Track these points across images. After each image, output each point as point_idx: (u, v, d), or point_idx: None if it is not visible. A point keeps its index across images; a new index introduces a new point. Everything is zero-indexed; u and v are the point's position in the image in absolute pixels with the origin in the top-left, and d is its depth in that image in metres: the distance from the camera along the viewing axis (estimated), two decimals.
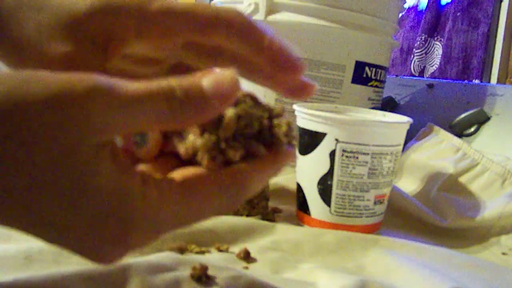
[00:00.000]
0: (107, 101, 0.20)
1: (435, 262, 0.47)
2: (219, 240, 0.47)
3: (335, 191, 0.53)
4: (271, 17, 0.69)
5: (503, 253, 0.55)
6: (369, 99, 0.75)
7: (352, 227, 0.53)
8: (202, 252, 0.45)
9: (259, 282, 0.38)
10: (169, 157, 0.27)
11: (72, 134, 0.20)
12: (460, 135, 0.78)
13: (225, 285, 0.37)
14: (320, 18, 0.69)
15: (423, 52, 1.48)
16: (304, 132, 0.54)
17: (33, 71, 0.20)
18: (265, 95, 0.71)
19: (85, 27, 0.28)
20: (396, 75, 1.09)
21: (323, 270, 0.42)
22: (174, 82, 0.22)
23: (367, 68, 0.73)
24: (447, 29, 1.41)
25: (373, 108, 0.75)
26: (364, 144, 0.51)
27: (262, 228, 0.51)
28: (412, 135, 0.75)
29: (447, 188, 0.66)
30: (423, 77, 1.45)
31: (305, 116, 0.54)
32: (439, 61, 1.43)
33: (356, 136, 0.51)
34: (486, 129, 0.78)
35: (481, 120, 0.79)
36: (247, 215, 0.55)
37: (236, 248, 0.46)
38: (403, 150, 0.71)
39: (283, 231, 0.51)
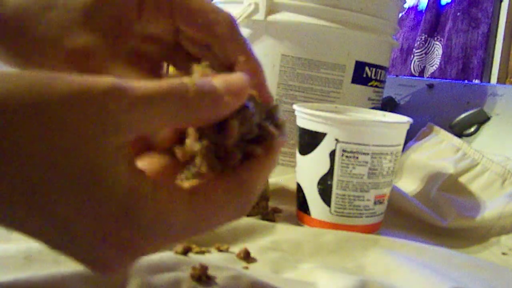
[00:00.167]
0: (125, 101, 0.20)
1: (435, 262, 0.47)
2: (219, 240, 0.47)
3: (335, 191, 0.53)
4: (271, 17, 0.69)
5: (503, 253, 0.55)
6: (369, 99, 0.75)
7: (352, 227, 0.53)
8: (202, 252, 0.45)
9: (259, 282, 0.38)
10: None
11: (93, 131, 0.20)
12: (460, 135, 0.78)
13: (225, 285, 0.37)
14: (320, 18, 0.69)
15: (423, 52, 1.48)
16: (304, 132, 0.54)
17: (55, 73, 0.20)
18: None
19: (95, 17, 0.29)
20: (396, 75, 1.09)
21: (323, 270, 0.43)
22: (187, 80, 0.22)
23: (367, 68, 0.73)
24: (447, 29, 1.41)
25: (373, 108, 0.75)
26: (364, 144, 0.51)
27: (262, 228, 0.51)
28: (412, 135, 0.75)
29: (447, 188, 0.66)
30: (423, 77, 1.45)
31: (305, 116, 0.54)
32: (439, 61, 1.43)
33: (356, 136, 0.51)
34: (486, 129, 0.78)
35: (481, 120, 0.79)
36: (247, 215, 0.55)
37: (236, 248, 0.46)
38: (403, 150, 0.71)
39: (283, 231, 0.51)
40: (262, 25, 0.70)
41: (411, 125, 0.55)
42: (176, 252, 0.43)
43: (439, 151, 0.71)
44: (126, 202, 0.21)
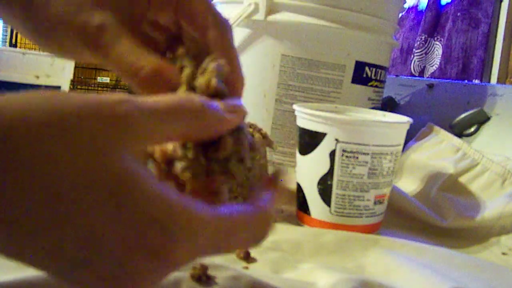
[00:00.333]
0: (140, 111, 0.21)
1: (435, 262, 0.47)
2: None
3: (335, 191, 0.53)
4: (271, 17, 0.69)
5: (503, 253, 0.55)
6: (369, 99, 0.75)
7: (352, 227, 0.53)
8: None
9: (259, 282, 0.38)
10: None
11: (113, 140, 0.20)
12: (460, 135, 0.78)
13: (225, 285, 0.37)
14: (320, 18, 0.69)
15: (423, 52, 1.48)
16: (304, 132, 0.54)
17: (69, 93, 0.21)
18: (265, 94, 0.71)
19: None
20: (396, 75, 1.09)
21: (323, 270, 0.43)
22: (195, 96, 0.24)
23: (367, 68, 0.73)
24: (447, 29, 1.41)
25: (373, 108, 0.75)
26: (364, 144, 0.51)
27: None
28: (412, 135, 0.75)
29: (447, 188, 0.66)
30: (423, 77, 1.45)
31: (305, 116, 0.54)
32: (439, 61, 1.43)
33: (356, 136, 0.51)
34: (486, 129, 0.78)
35: (481, 120, 0.79)
36: None
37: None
38: (403, 150, 0.71)
39: (283, 231, 0.51)
40: (262, 25, 0.70)
41: (411, 125, 0.55)
42: None
43: (439, 151, 0.71)
44: (155, 209, 0.20)
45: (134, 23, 0.30)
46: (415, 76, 1.45)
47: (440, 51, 1.43)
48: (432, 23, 1.46)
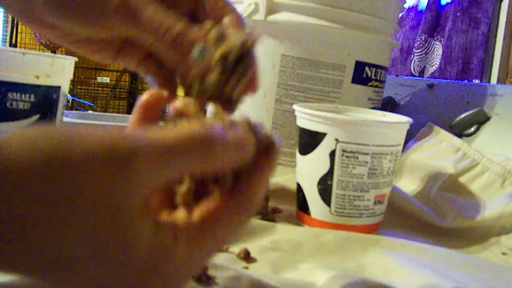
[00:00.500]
0: (149, 158, 0.21)
1: (435, 262, 0.47)
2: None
3: (335, 191, 0.53)
4: (271, 17, 0.69)
5: (503, 253, 0.55)
6: (369, 99, 0.75)
7: (352, 227, 0.53)
8: None
9: (259, 282, 0.38)
10: None
11: (117, 193, 0.20)
12: (460, 135, 0.78)
13: (225, 285, 0.37)
14: (320, 18, 0.69)
15: (423, 52, 1.48)
16: (304, 132, 0.54)
17: (72, 128, 0.21)
18: (265, 94, 0.71)
19: None
20: (396, 75, 1.09)
21: (323, 270, 0.43)
22: (203, 130, 0.23)
23: (367, 68, 0.73)
24: (447, 29, 1.41)
25: (373, 108, 0.75)
26: (364, 144, 0.51)
27: (262, 228, 0.51)
28: (412, 135, 0.75)
29: (447, 188, 0.66)
30: (423, 77, 1.45)
31: (305, 116, 0.54)
32: (439, 61, 1.43)
33: (356, 136, 0.51)
34: (486, 129, 0.78)
35: (481, 120, 0.79)
36: None
37: (236, 248, 0.46)
38: (403, 150, 0.71)
39: (283, 231, 0.51)
40: (262, 25, 0.70)
41: (411, 125, 0.55)
42: None
43: (439, 151, 0.71)
44: (152, 256, 0.22)
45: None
46: (415, 76, 1.45)
47: (440, 51, 1.43)
48: (432, 23, 1.46)
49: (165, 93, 0.30)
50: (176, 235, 0.23)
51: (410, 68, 1.50)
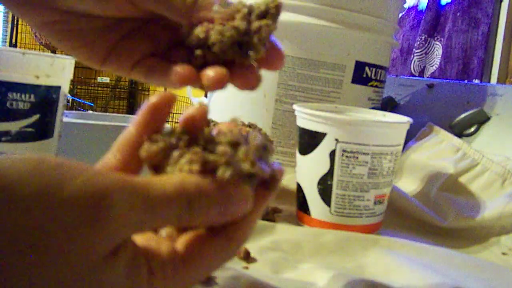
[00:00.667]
0: (124, 217, 0.21)
1: (435, 262, 0.47)
2: None
3: (335, 191, 0.53)
4: None
5: (503, 253, 0.55)
6: (369, 99, 0.75)
7: (352, 227, 0.53)
8: None
9: (259, 282, 0.38)
10: None
11: (89, 243, 0.20)
12: (460, 135, 0.78)
13: (225, 285, 0.37)
14: (320, 18, 0.69)
15: (423, 52, 1.48)
16: (304, 132, 0.54)
17: (56, 164, 0.20)
18: (265, 94, 0.71)
19: None
20: (396, 75, 1.09)
21: (323, 270, 0.43)
22: (193, 188, 0.23)
23: (367, 68, 0.73)
24: (447, 29, 1.41)
25: (373, 108, 0.75)
26: (364, 144, 0.51)
27: (262, 228, 0.51)
28: (412, 135, 0.75)
29: (447, 188, 0.66)
30: (423, 77, 1.45)
31: (305, 116, 0.54)
32: (439, 61, 1.43)
33: (356, 136, 0.51)
34: (486, 129, 0.78)
35: (481, 120, 0.79)
36: None
37: None
38: (403, 150, 0.71)
39: (283, 231, 0.51)
40: None
41: (411, 125, 0.55)
42: None
43: (439, 151, 0.71)
44: None
45: None
46: (415, 76, 1.45)
47: (440, 51, 1.43)
48: (432, 23, 1.46)
49: (173, 96, 0.29)
50: (152, 269, 0.22)
51: (410, 68, 1.50)
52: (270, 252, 0.47)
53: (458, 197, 0.64)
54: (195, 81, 0.29)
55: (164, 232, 0.26)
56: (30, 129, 0.57)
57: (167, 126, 0.28)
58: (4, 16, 3.96)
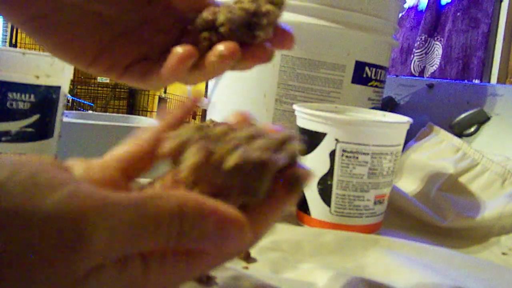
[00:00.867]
0: (108, 234, 0.19)
1: (435, 262, 0.47)
2: None
3: (335, 191, 0.53)
4: None
5: (503, 253, 0.55)
6: (369, 99, 0.75)
7: (352, 227, 0.53)
8: None
9: (259, 282, 0.38)
10: None
11: (69, 265, 0.18)
12: (460, 135, 0.78)
13: (225, 285, 0.37)
14: (320, 18, 0.69)
15: (423, 52, 1.48)
16: (304, 132, 0.54)
17: (31, 173, 0.19)
18: (265, 94, 0.71)
19: None
20: (396, 75, 1.09)
21: (323, 270, 0.42)
22: (183, 201, 0.21)
23: (367, 68, 0.73)
24: (447, 29, 1.41)
25: (373, 108, 0.75)
26: (364, 144, 0.51)
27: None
28: (412, 135, 0.75)
29: (447, 188, 0.66)
30: (423, 77, 1.45)
31: (305, 116, 0.54)
32: (439, 61, 1.43)
33: (356, 136, 0.51)
34: (486, 129, 0.78)
35: (481, 120, 0.79)
36: None
37: None
38: (403, 150, 0.71)
39: (283, 231, 0.51)
40: None
41: (411, 125, 0.55)
42: None
43: (439, 151, 0.71)
44: None
45: None
46: (415, 76, 1.45)
47: (440, 51, 1.43)
48: (432, 23, 1.46)
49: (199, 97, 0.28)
50: (147, 262, 0.21)
51: (410, 68, 1.50)
52: (270, 252, 0.47)
53: (458, 197, 0.64)
54: (197, 63, 0.29)
55: None
56: (30, 129, 0.57)
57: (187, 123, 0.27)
58: None
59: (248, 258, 0.45)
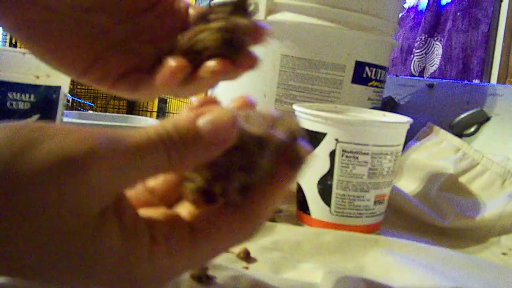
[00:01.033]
0: (106, 163, 0.19)
1: (435, 262, 0.47)
2: None
3: (335, 191, 0.53)
4: (271, 17, 0.69)
5: (503, 253, 0.55)
6: (369, 99, 0.75)
7: (352, 227, 0.53)
8: None
9: (259, 282, 0.38)
10: None
11: (73, 203, 0.19)
12: (460, 135, 0.78)
13: (225, 285, 0.37)
14: (320, 18, 0.69)
15: (423, 52, 1.48)
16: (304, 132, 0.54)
17: (36, 131, 0.20)
18: (265, 94, 0.71)
19: None
20: (396, 75, 1.09)
21: (323, 270, 0.42)
22: (170, 127, 0.21)
23: (367, 68, 0.73)
24: (447, 29, 1.41)
25: (373, 108, 0.75)
26: (364, 144, 0.51)
27: (262, 228, 0.51)
28: (412, 135, 0.75)
29: (447, 188, 0.66)
30: (423, 77, 1.45)
31: (305, 116, 0.54)
32: (439, 61, 1.43)
33: (356, 136, 0.51)
34: (486, 129, 0.78)
35: (481, 120, 0.79)
36: None
37: (236, 248, 0.46)
38: (403, 150, 0.71)
39: (283, 231, 0.51)
40: None
41: (411, 125, 0.55)
42: None
43: (439, 151, 0.71)
44: (121, 266, 0.20)
45: None
46: (415, 76, 1.45)
47: (440, 51, 1.43)
48: (432, 23, 1.46)
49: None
50: (155, 238, 0.21)
51: (410, 68, 1.50)
52: (270, 252, 0.47)
53: (458, 197, 0.64)
54: (189, 76, 0.29)
55: (180, 209, 0.24)
56: None
57: None
58: None
59: (248, 258, 0.45)
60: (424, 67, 1.48)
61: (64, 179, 0.19)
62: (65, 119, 0.67)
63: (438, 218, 0.60)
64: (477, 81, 1.32)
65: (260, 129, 0.23)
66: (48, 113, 0.59)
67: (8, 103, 0.55)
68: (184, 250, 0.22)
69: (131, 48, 0.32)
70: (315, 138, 0.53)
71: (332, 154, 0.52)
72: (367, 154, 0.52)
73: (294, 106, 0.56)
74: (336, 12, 0.69)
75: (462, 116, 0.80)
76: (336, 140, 0.52)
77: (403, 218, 0.62)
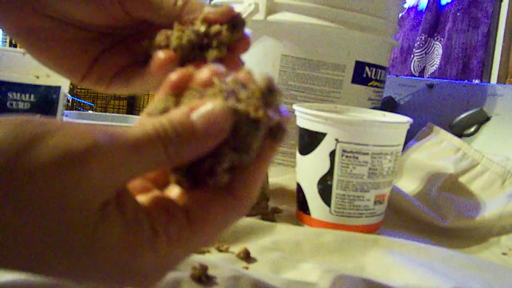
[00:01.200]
0: (107, 158, 0.20)
1: (435, 262, 0.47)
2: (219, 240, 0.47)
3: (335, 191, 0.53)
4: (271, 17, 0.69)
5: (503, 253, 0.55)
6: (369, 99, 0.75)
7: (352, 227, 0.53)
8: (202, 252, 0.45)
9: (259, 282, 0.38)
10: None
11: (76, 197, 0.20)
12: (460, 135, 0.78)
13: (225, 285, 0.37)
14: (320, 18, 0.69)
15: (423, 52, 1.48)
16: (304, 132, 0.54)
17: (39, 127, 0.20)
18: None
19: None
20: (396, 75, 1.09)
21: (323, 270, 0.42)
22: (166, 122, 0.22)
23: (367, 68, 0.73)
24: (447, 29, 1.41)
25: (373, 108, 0.75)
26: (364, 144, 0.51)
27: (262, 228, 0.51)
28: (412, 135, 0.75)
29: (447, 188, 0.66)
30: (423, 77, 1.45)
31: (305, 116, 0.54)
32: (439, 61, 1.43)
33: (356, 136, 0.51)
34: (486, 129, 0.78)
35: (481, 120, 0.79)
36: (247, 215, 0.55)
37: (236, 248, 0.46)
38: (403, 150, 0.71)
39: (283, 231, 0.51)
40: (262, 25, 0.70)
41: (411, 125, 0.55)
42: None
43: (439, 151, 0.71)
44: (124, 256, 0.21)
45: None
46: (415, 76, 1.45)
47: (440, 51, 1.43)
48: (432, 23, 1.46)
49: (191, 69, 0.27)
50: (156, 229, 0.22)
51: (410, 68, 1.50)
52: (270, 252, 0.47)
53: (458, 197, 0.64)
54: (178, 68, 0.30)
55: (173, 193, 0.25)
56: None
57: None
58: None
59: (248, 258, 0.45)
60: (424, 67, 1.48)
61: (67, 173, 0.19)
62: (65, 119, 0.67)
63: (438, 218, 0.60)
64: (477, 81, 1.32)
65: (259, 112, 0.23)
66: (48, 113, 0.59)
67: (8, 103, 0.55)
68: (183, 237, 0.23)
69: (126, 46, 0.32)
70: (315, 138, 0.53)
71: (332, 154, 0.52)
72: (367, 154, 0.52)
73: (294, 106, 0.56)
74: (336, 12, 0.69)
75: (462, 116, 0.80)
76: (336, 140, 0.52)
77: (403, 218, 0.62)
